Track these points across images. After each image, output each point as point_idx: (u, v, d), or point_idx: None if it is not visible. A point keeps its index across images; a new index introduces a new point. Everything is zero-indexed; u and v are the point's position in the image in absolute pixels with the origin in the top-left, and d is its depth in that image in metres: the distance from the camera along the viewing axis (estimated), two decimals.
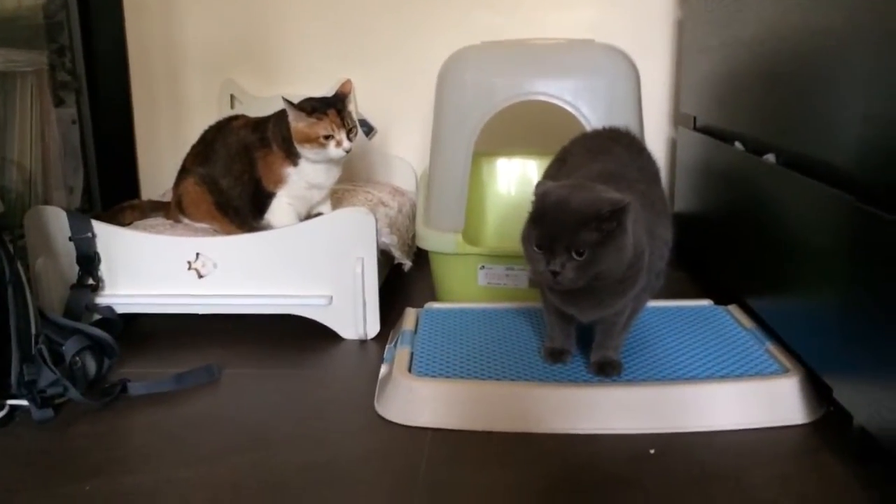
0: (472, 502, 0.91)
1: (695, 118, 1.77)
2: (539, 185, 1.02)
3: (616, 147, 1.20)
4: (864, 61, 0.94)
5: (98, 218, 1.44)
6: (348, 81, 1.50)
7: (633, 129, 1.46)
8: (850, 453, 0.97)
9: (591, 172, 1.10)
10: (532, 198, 1.01)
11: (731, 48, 1.47)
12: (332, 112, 1.41)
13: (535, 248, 0.98)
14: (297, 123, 1.41)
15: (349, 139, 1.42)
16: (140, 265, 1.41)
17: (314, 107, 1.41)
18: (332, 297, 1.40)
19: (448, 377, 1.14)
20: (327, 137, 1.40)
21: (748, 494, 0.91)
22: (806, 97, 1.12)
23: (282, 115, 1.43)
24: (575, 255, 0.95)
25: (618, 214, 0.95)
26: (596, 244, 0.95)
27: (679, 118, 1.95)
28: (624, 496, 0.91)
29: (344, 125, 1.41)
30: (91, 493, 0.94)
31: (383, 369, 1.22)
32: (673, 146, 2.00)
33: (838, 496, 0.90)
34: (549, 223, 0.96)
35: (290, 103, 1.41)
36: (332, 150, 1.41)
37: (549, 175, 1.22)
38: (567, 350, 1.17)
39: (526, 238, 1.00)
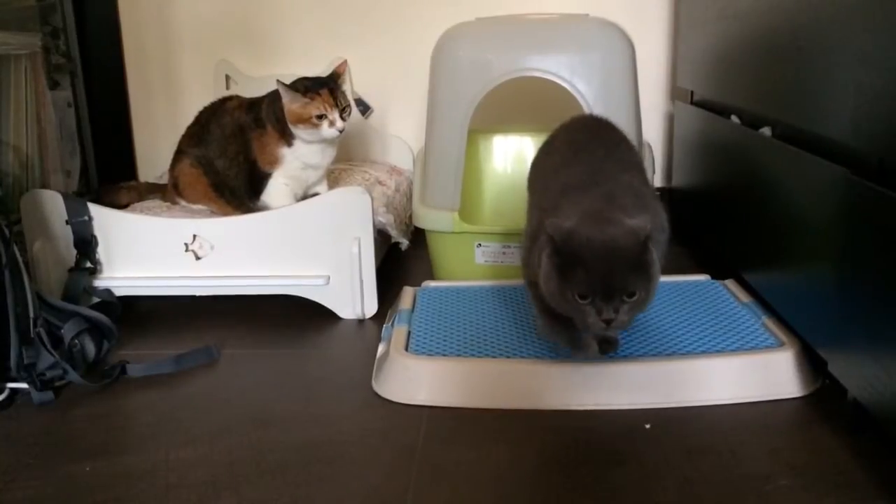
0: (469, 479, 0.92)
1: (692, 92, 1.76)
2: (552, 224, 0.89)
3: (594, 141, 1.14)
4: (858, 34, 0.93)
5: (95, 197, 1.44)
6: (344, 62, 1.49)
7: (629, 103, 1.46)
8: (844, 426, 0.98)
9: (577, 173, 1.05)
10: (551, 237, 0.90)
11: (728, 21, 1.46)
12: (324, 92, 1.40)
13: (579, 299, 0.88)
14: (290, 104, 1.40)
15: (342, 119, 1.42)
16: (137, 247, 1.41)
17: (307, 87, 1.41)
18: (329, 277, 1.40)
19: (445, 355, 1.14)
20: (320, 117, 1.40)
21: (743, 467, 0.92)
22: (801, 70, 1.11)
23: (275, 95, 1.43)
24: (626, 298, 0.88)
25: (648, 241, 0.89)
26: (642, 280, 0.89)
27: (676, 92, 1.94)
28: (620, 471, 0.92)
29: (337, 105, 1.41)
30: (91, 474, 0.95)
31: (381, 348, 1.22)
32: (670, 120, 1.99)
33: (832, 468, 0.91)
34: (593, 269, 0.87)
35: (283, 84, 1.40)
36: (326, 130, 1.41)
37: (538, 174, 1.17)
38: (591, 344, 1.06)
39: (559, 287, 0.90)
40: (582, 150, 1.11)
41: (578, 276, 0.88)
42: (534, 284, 1.02)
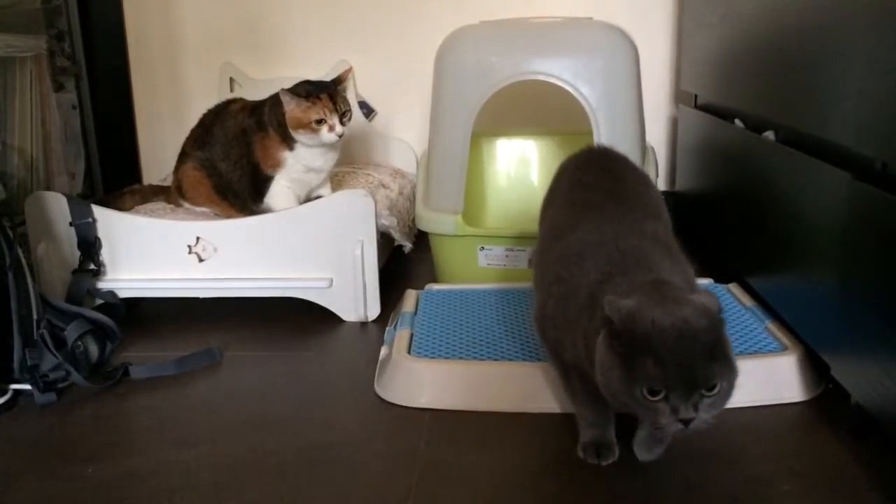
0: (471, 482, 0.92)
1: (696, 96, 1.76)
2: (611, 304, 0.75)
3: (610, 185, 1.01)
4: (862, 39, 0.93)
5: (99, 203, 1.45)
6: (349, 69, 1.50)
7: (633, 107, 1.46)
8: (848, 430, 0.97)
9: (596, 227, 0.92)
10: (608, 320, 0.75)
11: (731, 25, 1.46)
12: (325, 96, 1.40)
13: (649, 395, 0.74)
14: (291, 108, 1.41)
15: (342, 124, 1.42)
16: (141, 250, 1.42)
17: (308, 91, 1.41)
18: (332, 280, 1.40)
19: (448, 358, 1.14)
20: (319, 122, 1.40)
21: (746, 471, 0.91)
22: (804, 74, 1.11)
23: (277, 98, 1.43)
24: (706, 392, 0.73)
25: (722, 322, 0.76)
26: (724, 369, 0.74)
27: (680, 96, 1.94)
28: (622, 474, 0.91)
29: (336, 110, 1.41)
30: (94, 476, 0.95)
31: (383, 351, 1.22)
32: (674, 124, 1.99)
33: (835, 473, 0.91)
34: (666, 359, 0.72)
35: (285, 90, 1.41)
36: (325, 135, 1.41)
37: (551, 222, 1.04)
38: (613, 442, 0.95)
39: (624, 382, 0.75)
40: (599, 195, 0.99)
41: (648, 368, 0.73)
42: (554, 350, 0.94)
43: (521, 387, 1.09)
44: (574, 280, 0.87)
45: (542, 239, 1.05)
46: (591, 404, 0.92)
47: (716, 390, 0.73)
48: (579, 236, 0.92)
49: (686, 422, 0.74)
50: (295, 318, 1.43)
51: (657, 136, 2.00)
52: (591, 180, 1.03)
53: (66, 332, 1.20)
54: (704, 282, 1.41)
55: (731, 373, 0.75)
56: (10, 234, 1.17)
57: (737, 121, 1.44)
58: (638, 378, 0.73)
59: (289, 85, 1.43)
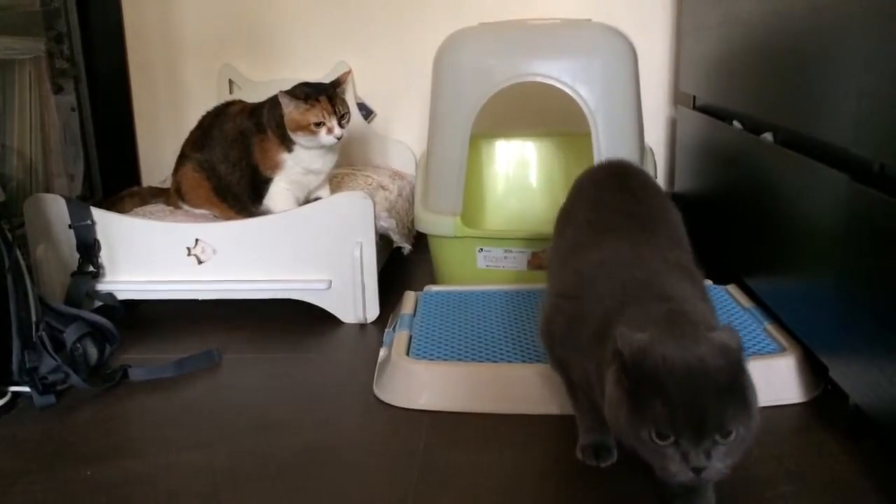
0: (469, 484, 0.92)
1: (694, 97, 1.76)
2: (624, 337, 0.69)
3: (629, 203, 0.97)
4: (859, 40, 0.93)
5: (98, 206, 1.45)
6: (348, 71, 1.50)
7: (632, 108, 1.46)
8: (846, 432, 0.98)
9: (614, 250, 0.88)
10: (618, 354, 0.70)
11: (730, 27, 1.47)
12: (323, 99, 1.40)
13: (657, 439, 0.67)
14: (290, 111, 1.41)
15: (341, 126, 1.42)
16: (140, 252, 1.42)
17: (307, 93, 1.41)
18: (331, 282, 1.40)
19: (447, 360, 1.14)
20: (318, 124, 1.40)
21: (744, 473, 0.91)
22: (802, 76, 1.11)
23: (275, 101, 1.43)
24: (721, 438, 0.67)
25: (743, 361, 0.69)
26: (741, 414, 0.67)
27: (679, 97, 1.94)
28: (622, 476, 0.92)
29: (335, 112, 1.41)
30: (93, 478, 0.95)
31: (382, 353, 1.22)
32: (672, 125, 1.99)
33: (833, 474, 0.91)
34: (676, 400, 0.66)
35: (283, 92, 1.41)
36: (324, 137, 1.41)
37: (569, 240, 0.98)
38: (612, 445, 0.93)
39: (631, 422, 0.69)
40: (620, 218, 0.95)
41: (656, 409, 0.67)
42: (559, 366, 0.92)
43: (519, 388, 1.09)
44: (588, 303, 0.83)
45: (558, 250, 1.01)
46: (593, 413, 0.90)
47: (731, 437, 0.67)
48: (597, 257, 0.88)
49: (697, 470, 0.67)
50: (294, 319, 1.43)
51: (656, 137, 2.00)
52: (612, 201, 0.98)
53: (65, 335, 1.20)
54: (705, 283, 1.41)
55: (749, 418, 0.68)
56: (9, 236, 1.17)
57: (735, 122, 1.44)
58: (646, 419, 0.67)
59: (288, 87, 1.43)
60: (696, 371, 0.67)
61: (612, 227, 0.93)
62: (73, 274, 1.40)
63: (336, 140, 1.42)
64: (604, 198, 1.00)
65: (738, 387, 0.68)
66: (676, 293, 0.80)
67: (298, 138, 1.42)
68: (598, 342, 0.77)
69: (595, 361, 0.77)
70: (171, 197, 1.60)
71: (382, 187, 1.73)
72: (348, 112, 1.45)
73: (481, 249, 1.49)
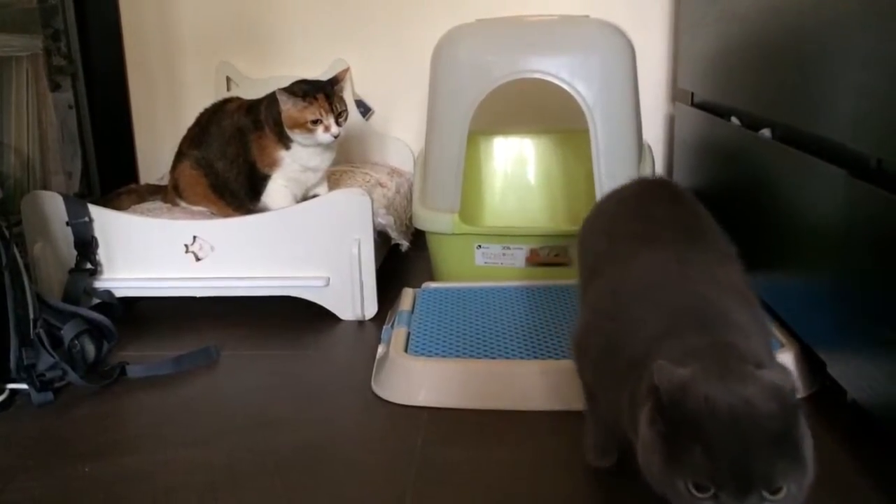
0: (467, 480, 0.92)
1: (692, 94, 1.76)
2: (662, 371, 0.61)
3: (670, 219, 0.88)
4: (857, 36, 0.93)
5: (96, 204, 1.45)
6: (346, 69, 1.50)
7: (630, 105, 1.46)
8: (843, 428, 0.98)
9: (675, 276, 0.78)
10: (654, 391, 0.61)
11: (728, 23, 1.46)
12: (321, 96, 1.40)
13: (695, 491, 0.59)
14: (288, 108, 1.40)
15: (338, 124, 1.41)
16: (138, 249, 1.42)
17: (305, 91, 1.41)
18: (329, 279, 1.40)
19: (445, 357, 1.14)
20: (315, 122, 1.40)
21: None
22: (800, 72, 1.11)
23: (273, 98, 1.43)
24: (768, 494, 0.58)
25: (798, 407, 0.61)
26: (792, 468, 0.59)
27: (677, 94, 1.94)
28: (619, 473, 0.92)
29: (332, 110, 1.41)
30: (90, 475, 0.95)
31: (380, 349, 1.22)
32: (671, 122, 1.99)
33: (831, 470, 0.91)
34: (719, 449, 0.58)
35: (281, 90, 1.40)
36: (320, 135, 1.41)
37: (604, 248, 0.89)
38: (614, 445, 0.90)
39: (665, 469, 0.61)
40: (664, 229, 0.86)
41: (695, 457, 0.58)
42: (585, 387, 0.86)
43: (518, 385, 1.09)
44: (627, 326, 0.74)
45: (589, 263, 0.91)
46: (606, 432, 0.86)
47: (780, 495, 0.58)
48: (638, 273, 0.79)
49: None
50: (292, 316, 1.43)
51: (654, 133, 2.00)
52: (657, 211, 0.89)
53: (62, 332, 1.20)
54: None
55: (802, 474, 0.59)
56: (7, 233, 1.17)
57: (733, 118, 1.44)
58: (682, 468, 0.59)
59: (285, 84, 1.43)
60: (744, 416, 0.58)
61: (657, 239, 0.84)
62: (71, 271, 1.39)
63: (333, 138, 1.42)
64: (647, 208, 0.91)
65: (791, 436, 0.59)
66: (726, 322, 0.71)
67: (295, 136, 1.42)
68: (634, 372, 0.69)
69: (629, 394, 0.69)
70: (169, 194, 1.60)
71: (380, 184, 1.73)
72: (346, 110, 1.45)
73: (479, 246, 1.49)
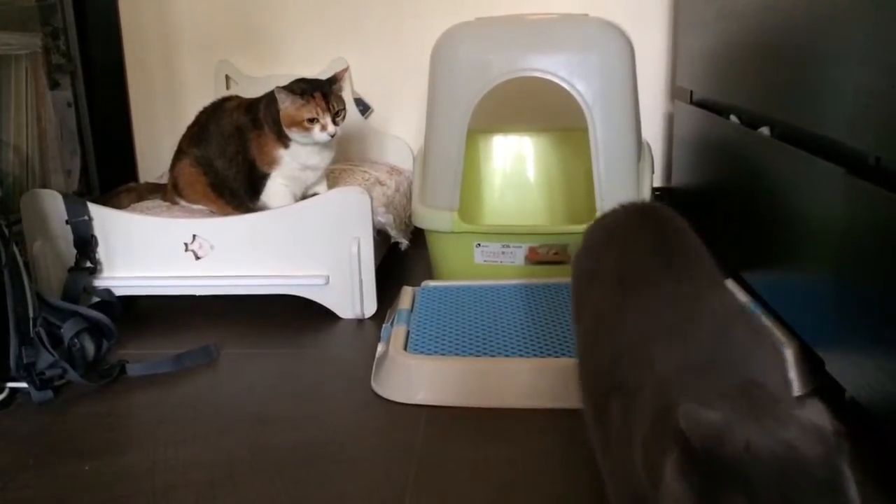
0: (467, 478, 0.92)
1: (691, 92, 1.76)
2: (689, 416, 0.52)
3: (677, 248, 0.82)
4: (855, 34, 0.93)
5: (96, 202, 1.45)
6: (346, 68, 1.50)
7: (629, 103, 1.46)
8: (842, 426, 0.98)
9: (681, 312, 0.70)
10: (682, 437, 0.53)
11: (727, 21, 1.47)
12: (318, 95, 1.40)
13: None
14: (286, 106, 1.40)
15: (335, 123, 1.41)
16: (137, 247, 1.42)
17: (303, 89, 1.41)
18: (328, 277, 1.40)
19: (444, 355, 1.14)
20: (312, 121, 1.40)
21: None
22: (799, 70, 1.11)
23: (272, 96, 1.43)
24: None
25: (842, 450, 0.52)
26: None
27: (676, 92, 1.94)
28: None
29: (329, 109, 1.41)
30: (90, 473, 0.95)
31: (380, 348, 1.22)
32: (670, 120, 1.99)
33: None
34: (764, 501, 0.50)
35: (280, 88, 1.40)
36: (317, 134, 1.41)
37: (597, 309, 0.80)
38: None
39: None
40: (657, 264, 0.79)
41: None
42: (609, 459, 0.71)
43: (517, 383, 1.09)
44: (635, 382, 0.66)
45: (585, 334, 0.82)
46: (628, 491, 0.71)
47: None
48: (638, 321, 0.71)
49: None
50: (292, 315, 1.43)
51: (653, 131, 2.00)
52: (642, 246, 0.82)
53: (62, 330, 1.21)
54: None
55: None
56: (6, 232, 1.17)
57: (732, 116, 1.44)
58: None
59: (284, 83, 1.43)
60: (789, 462, 0.51)
61: (649, 278, 0.77)
62: (71, 270, 1.40)
63: (329, 137, 1.41)
64: (631, 244, 0.84)
65: (838, 483, 0.51)
66: (743, 356, 0.64)
67: (293, 134, 1.42)
68: (647, 421, 0.61)
69: (642, 444, 0.61)
70: (169, 193, 1.60)
71: (380, 183, 1.73)
72: (344, 109, 1.45)
73: (478, 245, 1.50)
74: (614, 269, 0.81)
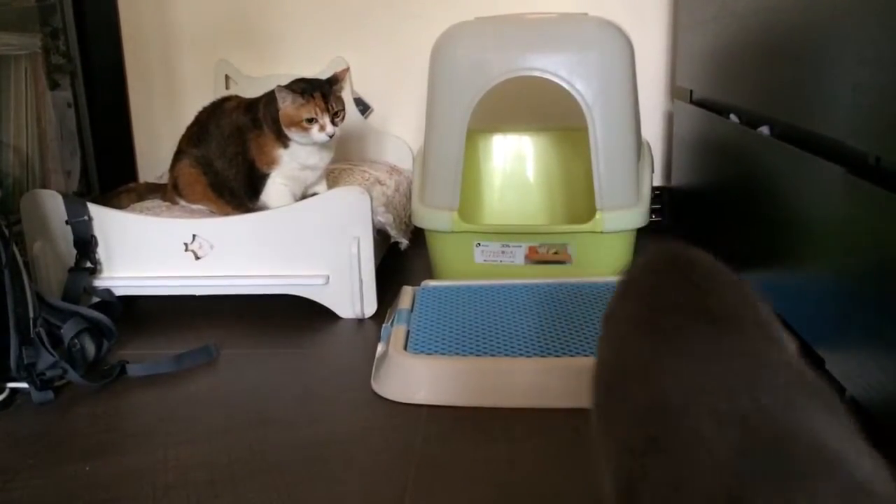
0: (467, 478, 0.92)
1: (691, 91, 1.76)
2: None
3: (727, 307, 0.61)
4: (856, 33, 0.93)
5: (95, 202, 1.45)
6: (346, 69, 1.50)
7: (628, 103, 1.46)
8: None
9: (736, 387, 0.49)
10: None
11: (726, 21, 1.47)
12: (317, 95, 1.40)
13: None
14: (286, 105, 1.40)
15: (334, 124, 1.41)
16: (137, 247, 1.42)
17: (303, 88, 1.41)
18: (328, 277, 1.41)
19: (444, 354, 1.14)
20: (310, 121, 1.40)
21: None
22: (799, 69, 1.11)
23: (271, 96, 1.43)
24: None
25: None
26: None
27: (675, 91, 1.94)
28: None
29: (328, 109, 1.41)
30: (91, 474, 0.95)
31: (380, 347, 1.22)
32: (669, 119, 1.99)
33: None
34: None
35: (280, 87, 1.40)
36: (316, 135, 1.40)
37: (622, 360, 0.60)
38: None
39: None
40: (702, 322, 0.59)
41: None
42: None
43: (517, 382, 1.09)
44: (683, 463, 0.47)
45: (607, 384, 0.61)
46: None
47: None
48: (676, 387, 0.52)
49: None
50: (291, 315, 1.43)
51: (653, 131, 2.00)
52: (673, 298, 0.63)
53: (62, 331, 1.21)
54: None
55: None
56: (6, 232, 1.17)
57: (732, 116, 1.44)
58: None
59: (284, 82, 1.43)
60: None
61: (692, 337, 0.58)
62: (71, 270, 1.40)
63: (328, 137, 1.41)
64: (666, 298, 0.64)
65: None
66: (825, 442, 0.47)
67: (292, 134, 1.42)
68: None
69: None
70: (168, 193, 1.60)
71: (379, 182, 1.73)
72: (343, 109, 1.44)
73: (478, 244, 1.50)
74: (648, 322, 0.62)
